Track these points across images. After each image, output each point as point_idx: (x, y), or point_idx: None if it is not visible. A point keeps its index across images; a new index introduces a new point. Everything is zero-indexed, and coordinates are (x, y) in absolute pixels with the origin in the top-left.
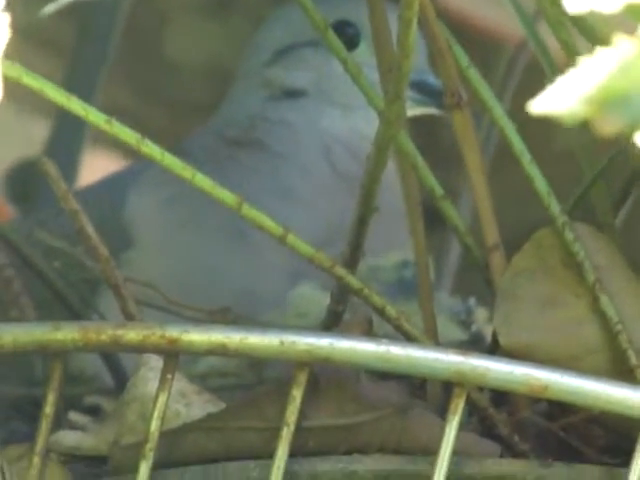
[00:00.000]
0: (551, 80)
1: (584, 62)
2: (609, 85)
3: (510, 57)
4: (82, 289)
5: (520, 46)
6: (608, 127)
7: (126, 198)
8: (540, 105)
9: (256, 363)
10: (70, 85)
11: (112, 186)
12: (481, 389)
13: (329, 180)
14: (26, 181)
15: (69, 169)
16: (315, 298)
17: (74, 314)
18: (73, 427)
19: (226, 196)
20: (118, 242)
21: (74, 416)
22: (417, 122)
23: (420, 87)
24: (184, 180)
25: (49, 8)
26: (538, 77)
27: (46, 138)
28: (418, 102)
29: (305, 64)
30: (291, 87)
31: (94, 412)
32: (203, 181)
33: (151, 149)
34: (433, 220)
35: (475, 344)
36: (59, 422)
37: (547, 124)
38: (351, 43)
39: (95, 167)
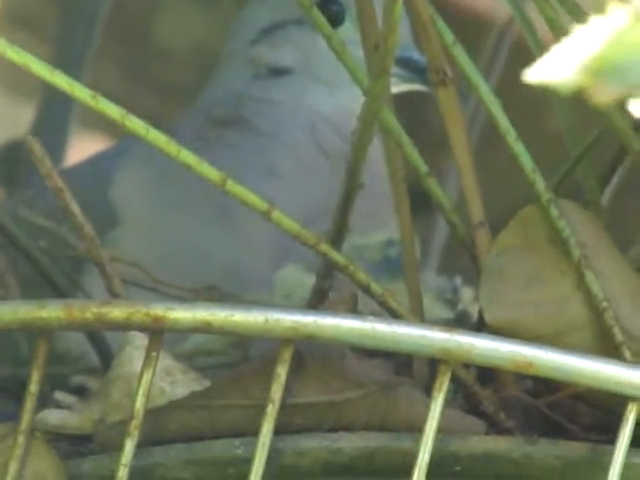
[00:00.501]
0: (538, 58)
1: (578, 31)
2: (603, 54)
3: (497, 36)
4: (67, 268)
5: (506, 25)
6: (603, 96)
7: (111, 177)
8: (535, 74)
9: (242, 342)
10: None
11: (97, 165)
12: (467, 366)
13: (314, 158)
14: (13, 163)
15: (56, 151)
16: (301, 280)
17: (60, 293)
18: (59, 407)
19: (210, 172)
20: (103, 221)
21: (60, 396)
22: (407, 102)
23: (405, 63)
24: (169, 156)
25: None
26: (526, 56)
27: (33, 120)
28: (403, 78)
29: (290, 42)
30: (277, 65)
31: (80, 392)
32: (188, 157)
33: (135, 124)
34: (420, 201)
35: (461, 322)
36: (45, 402)
37: (539, 105)
38: (336, 20)
39: (82, 149)
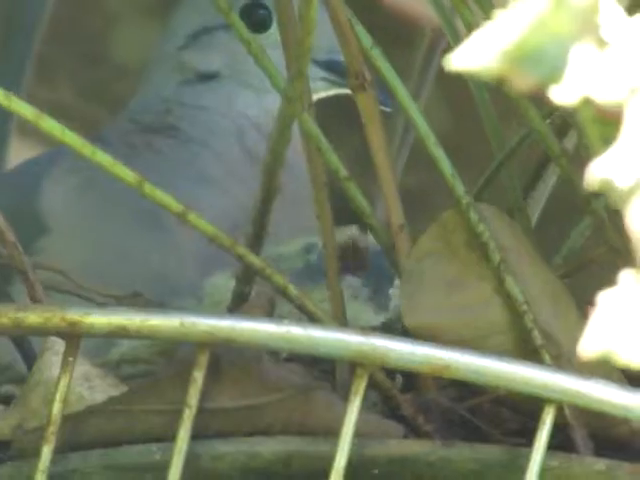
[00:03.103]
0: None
1: (499, 17)
2: (523, 40)
3: (429, 41)
4: None
5: (439, 30)
6: (522, 83)
7: (40, 185)
8: (457, 61)
9: (169, 349)
10: None
11: (26, 173)
12: (391, 373)
13: (243, 164)
14: None
15: None
16: (229, 287)
17: None
18: None
19: (126, 174)
20: (32, 229)
21: None
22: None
23: (331, 66)
24: (84, 157)
25: None
26: None
27: None
28: (331, 82)
29: (218, 47)
30: (204, 70)
31: (8, 401)
32: (103, 158)
33: (51, 125)
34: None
35: (392, 329)
36: None
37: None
38: (263, 24)
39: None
